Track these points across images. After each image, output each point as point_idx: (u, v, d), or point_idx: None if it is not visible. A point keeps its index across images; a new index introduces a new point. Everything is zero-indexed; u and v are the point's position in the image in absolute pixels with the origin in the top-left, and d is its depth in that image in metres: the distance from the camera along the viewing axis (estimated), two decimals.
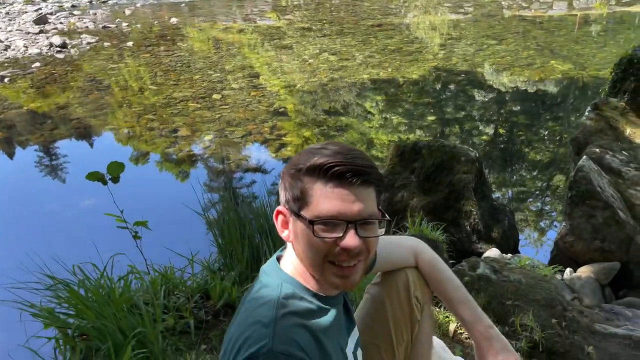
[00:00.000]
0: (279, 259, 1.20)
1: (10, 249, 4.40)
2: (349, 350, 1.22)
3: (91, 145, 7.44)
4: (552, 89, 8.69)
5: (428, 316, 1.56)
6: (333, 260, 1.06)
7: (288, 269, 1.15)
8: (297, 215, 1.06)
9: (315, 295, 1.12)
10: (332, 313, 1.14)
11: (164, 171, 6.43)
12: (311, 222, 1.03)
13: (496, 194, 5.47)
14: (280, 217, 1.13)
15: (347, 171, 1.03)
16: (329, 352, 1.08)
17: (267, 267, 1.18)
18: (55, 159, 6.97)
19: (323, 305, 1.12)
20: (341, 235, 1.04)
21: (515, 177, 6.18)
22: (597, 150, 3.90)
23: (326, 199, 1.03)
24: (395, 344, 1.48)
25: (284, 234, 1.13)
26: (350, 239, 1.03)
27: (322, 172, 1.03)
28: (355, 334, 1.29)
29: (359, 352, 1.29)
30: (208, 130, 7.21)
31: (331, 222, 1.03)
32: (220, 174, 6.23)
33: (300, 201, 1.06)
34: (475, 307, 1.46)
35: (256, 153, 6.68)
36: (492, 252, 3.82)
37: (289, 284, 1.10)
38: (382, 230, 1.13)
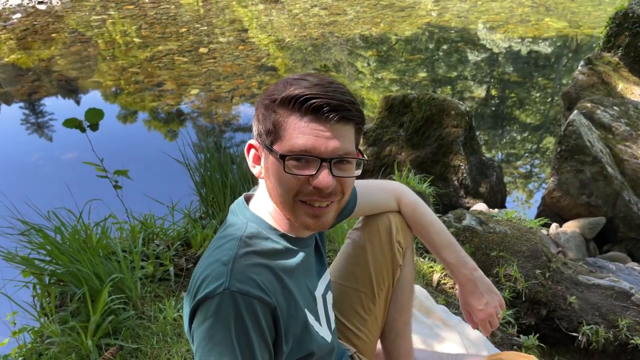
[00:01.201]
0: (247, 198, 1.14)
1: None
2: (318, 292, 1.18)
3: (74, 98, 7.26)
4: (546, 47, 8.56)
5: (410, 260, 1.53)
6: (304, 199, 1.00)
7: (257, 208, 1.09)
8: (269, 149, 0.99)
9: (283, 235, 1.07)
10: (300, 255, 1.09)
11: (149, 126, 6.31)
12: (282, 157, 0.96)
13: (485, 151, 5.43)
14: (252, 151, 1.06)
15: (324, 105, 0.95)
16: (294, 293, 1.04)
17: (234, 207, 1.12)
18: (37, 112, 6.80)
19: (290, 246, 1.07)
20: (314, 173, 0.97)
21: (505, 134, 6.13)
22: (588, 105, 3.84)
23: (300, 133, 0.96)
24: (376, 288, 1.46)
25: (255, 169, 1.07)
26: (323, 177, 0.96)
27: (298, 105, 0.95)
28: (326, 278, 1.25)
29: (329, 295, 1.25)
30: (194, 85, 7.05)
31: (304, 157, 0.96)
32: (205, 128, 6.12)
33: (272, 134, 0.98)
34: (459, 250, 1.43)
35: (243, 108, 6.56)
36: (479, 207, 3.80)
37: (254, 223, 1.05)
38: (359, 172, 1.06)
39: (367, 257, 1.45)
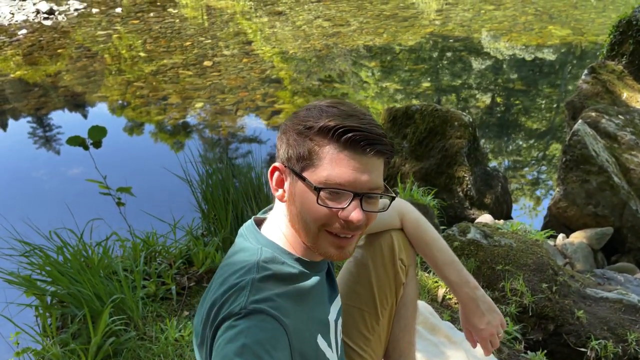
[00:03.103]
0: (258, 222, 1.12)
1: None
2: (331, 318, 1.16)
3: (81, 113, 7.30)
4: (550, 55, 8.53)
5: (413, 278, 1.52)
6: (330, 230, 0.99)
7: (270, 232, 1.08)
8: (299, 176, 0.98)
9: (298, 260, 1.05)
10: (314, 279, 1.07)
11: (153, 140, 6.32)
12: (317, 189, 0.95)
13: (490, 161, 5.39)
14: (277, 174, 1.04)
15: (362, 139, 0.94)
16: (310, 319, 1.03)
17: (244, 231, 1.10)
18: (43, 127, 6.84)
19: (305, 271, 1.05)
20: (345, 206, 0.96)
21: (510, 144, 6.10)
22: (593, 114, 3.81)
23: (337, 165, 0.95)
24: (379, 307, 1.44)
25: (278, 192, 1.05)
26: (356, 213, 0.96)
27: (336, 136, 0.94)
28: (337, 303, 1.23)
29: (340, 321, 1.23)
30: (199, 98, 7.07)
31: (337, 191, 0.95)
32: (211, 141, 6.13)
33: (305, 161, 0.97)
34: (461, 269, 1.42)
35: (248, 120, 6.56)
36: (485, 219, 3.77)
37: (269, 248, 1.04)
38: (386, 203, 1.06)
39: (370, 276, 1.43)
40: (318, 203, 0.96)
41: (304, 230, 1.01)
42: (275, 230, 1.07)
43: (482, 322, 1.37)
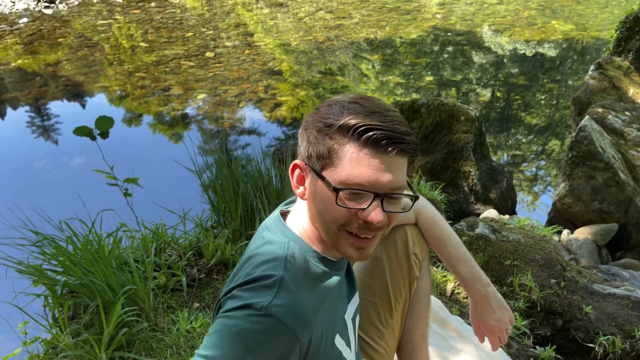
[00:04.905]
0: (283, 214, 1.11)
1: None
2: (348, 316, 1.16)
3: (81, 103, 7.26)
4: (552, 50, 8.52)
5: (426, 272, 1.52)
6: (350, 230, 0.97)
7: (296, 227, 1.06)
8: (319, 175, 0.96)
9: (322, 258, 1.04)
10: (335, 278, 1.06)
11: (155, 131, 6.30)
12: (336, 190, 0.93)
13: (493, 156, 5.40)
14: (297, 171, 1.02)
15: (384, 138, 0.91)
16: (330, 319, 1.03)
17: (271, 223, 1.08)
18: (44, 117, 6.80)
19: (328, 270, 1.04)
20: (366, 207, 0.94)
21: (514, 139, 6.10)
22: (600, 110, 3.81)
23: (357, 165, 0.92)
24: (393, 301, 1.44)
25: (299, 190, 1.03)
26: (376, 213, 0.94)
27: (357, 134, 0.91)
28: (355, 301, 1.23)
29: (357, 319, 1.23)
30: (201, 89, 7.04)
31: (358, 192, 0.93)
32: (214, 133, 6.12)
33: (325, 159, 0.95)
34: (474, 266, 1.42)
35: (250, 112, 6.54)
36: (490, 213, 3.77)
37: (296, 244, 1.02)
38: (409, 208, 1.05)
39: (384, 270, 1.43)
40: (337, 204, 0.94)
41: (324, 230, 0.99)
42: (299, 225, 1.06)
43: (493, 318, 1.38)
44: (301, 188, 1.02)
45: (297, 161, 1.02)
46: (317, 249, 1.04)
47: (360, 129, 0.91)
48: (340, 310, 1.12)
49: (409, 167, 1.00)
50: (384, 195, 0.94)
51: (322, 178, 0.95)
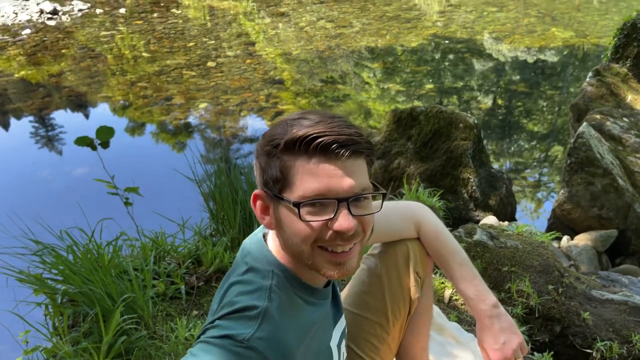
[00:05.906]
0: (265, 235, 1.06)
1: None
2: (333, 343, 1.12)
3: (84, 113, 7.32)
4: (552, 57, 8.55)
5: (428, 288, 1.47)
6: (325, 245, 0.93)
7: (278, 252, 1.02)
8: (279, 198, 0.92)
9: (306, 287, 1.01)
10: (320, 307, 1.04)
11: (157, 140, 6.35)
12: (296, 205, 0.89)
13: (494, 162, 5.41)
14: (259, 202, 0.99)
15: (332, 142, 0.88)
16: (312, 350, 1.00)
17: (253, 248, 1.04)
18: (48, 127, 6.86)
19: (313, 300, 1.02)
20: (332, 216, 0.90)
21: (513, 145, 6.11)
22: (598, 116, 3.83)
23: (311, 175, 0.89)
24: (391, 319, 1.39)
25: (264, 220, 0.99)
26: (344, 220, 0.90)
27: (304, 146, 0.89)
28: (341, 324, 1.19)
29: (343, 344, 1.20)
30: (202, 99, 7.10)
31: (319, 202, 0.89)
32: (216, 142, 6.16)
33: (280, 182, 0.92)
34: (480, 284, 1.33)
35: (252, 121, 6.59)
36: (489, 220, 3.78)
37: (281, 272, 0.98)
38: (378, 203, 1.01)
39: (384, 288, 1.38)
40: (301, 220, 0.90)
41: (298, 253, 0.95)
42: (280, 253, 1.02)
43: (497, 341, 1.27)
44: (267, 218, 0.99)
45: (256, 191, 0.99)
46: (300, 275, 1.01)
47: (307, 139, 0.89)
48: (325, 339, 1.09)
49: (369, 167, 0.97)
50: (348, 199, 0.90)
51: (282, 199, 0.92)
